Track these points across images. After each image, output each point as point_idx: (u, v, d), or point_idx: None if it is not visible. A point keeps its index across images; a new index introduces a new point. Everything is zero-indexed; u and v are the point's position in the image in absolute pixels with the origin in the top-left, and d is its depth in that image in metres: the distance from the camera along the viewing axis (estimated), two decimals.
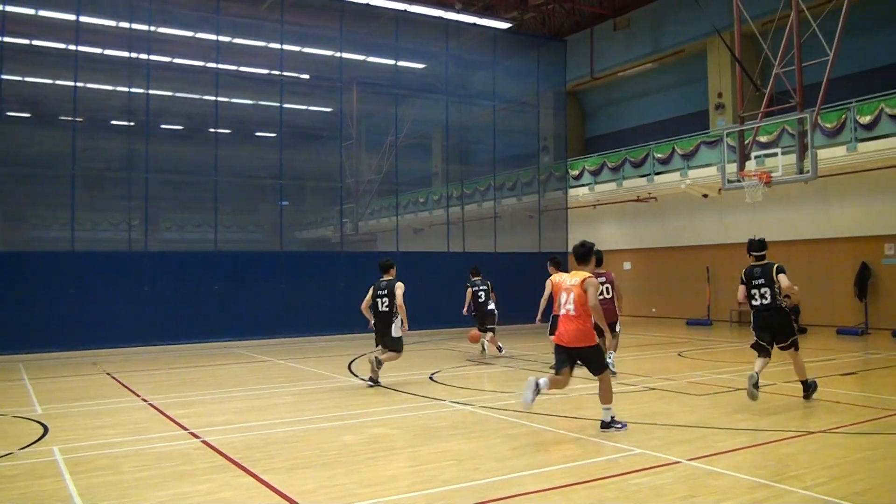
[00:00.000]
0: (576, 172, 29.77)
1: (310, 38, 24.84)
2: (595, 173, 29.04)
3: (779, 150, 18.58)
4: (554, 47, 29.62)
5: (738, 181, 18.71)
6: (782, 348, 10.30)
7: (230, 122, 25.11)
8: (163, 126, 24.43)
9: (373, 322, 12.52)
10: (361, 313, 12.64)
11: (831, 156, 20.52)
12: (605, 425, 8.54)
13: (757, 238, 10.56)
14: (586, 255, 8.86)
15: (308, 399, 11.38)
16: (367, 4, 23.76)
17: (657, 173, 26.57)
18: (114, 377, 14.13)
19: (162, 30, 22.08)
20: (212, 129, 22.07)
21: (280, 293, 21.30)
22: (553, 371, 8.75)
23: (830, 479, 6.49)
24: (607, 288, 13.58)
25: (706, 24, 23.52)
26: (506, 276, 24.77)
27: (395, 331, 12.22)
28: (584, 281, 8.50)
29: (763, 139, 21.31)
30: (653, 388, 11.85)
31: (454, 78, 26.79)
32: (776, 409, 9.89)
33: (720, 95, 27.37)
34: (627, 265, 30.41)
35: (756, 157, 19.59)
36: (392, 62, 25.39)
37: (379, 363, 12.18)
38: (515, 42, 28.97)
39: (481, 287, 16.86)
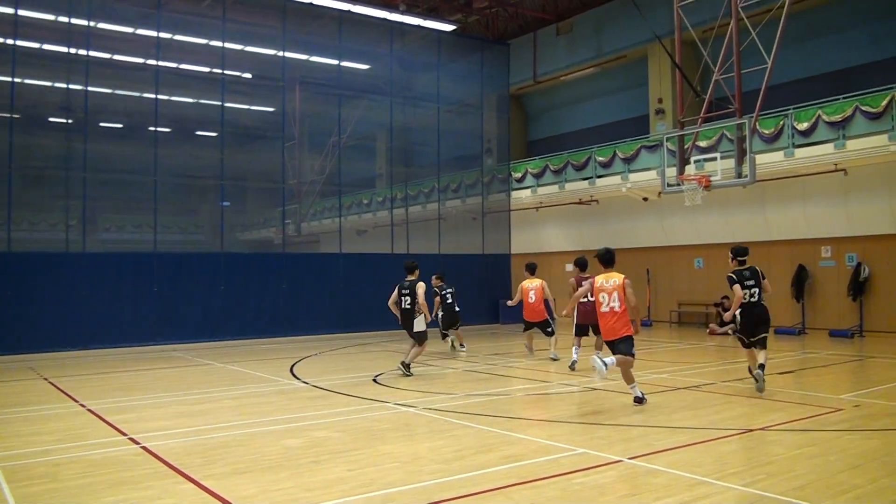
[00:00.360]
0: (519, 175, 29.97)
1: (252, 36, 24.61)
2: (538, 176, 29.27)
3: (718, 155, 18.99)
4: (497, 51, 29.78)
5: (678, 185, 19.04)
6: (761, 341, 11.41)
7: (170, 120, 24.71)
8: (102, 124, 23.93)
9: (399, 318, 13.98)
10: (389, 309, 14.07)
11: (769, 161, 20.99)
12: (638, 400, 10.34)
13: (741, 246, 11.86)
14: (612, 259, 10.89)
15: (249, 403, 11.27)
16: (311, 3, 23.63)
17: (599, 176, 26.88)
18: (51, 382, 13.84)
19: (102, 25, 21.65)
20: (152, 128, 21.72)
21: (221, 295, 21.07)
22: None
23: (769, 475, 6.65)
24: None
25: (647, 30, 23.86)
26: (450, 278, 24.82)
27: (417, 326, 13.59)
28: (624, 281, 10.48)
29: (702, 144, 21.74)
30: (595, 389, 12.00)
31: (398, 79, 26.77)
32: (716, 408, 10.09)
33: (661, 101, 27.78)
34: (569, 267, 30.65)
35: (695, 162, 20.00)
36: (335, 62, 25.26)
37: (407, 367, 13.72)
38: (459, 45, 29.05)
39: (448, 290, 17.57)
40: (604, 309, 10.48)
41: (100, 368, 15.98)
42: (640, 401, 10.28)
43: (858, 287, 20.88)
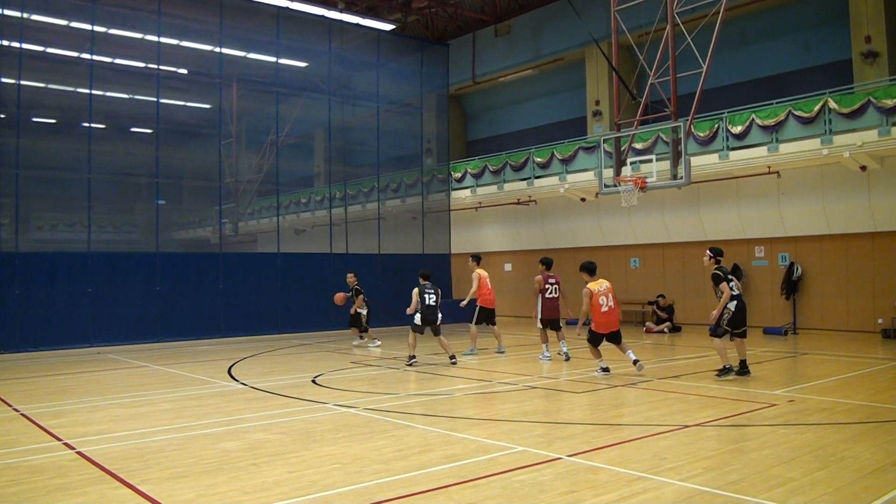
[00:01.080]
0: (458, 175, 30.06)
1: (188, 31, 24.23)
2: (477, 176, 29.39)
3: (653, 157, 19.26)
4: (437, 51, 29.80)
5: (615, 186, 19.27)
6: (745, 331, 12.66)
7: (105, 116, 24.19)
8: (34, 119, 23.34)
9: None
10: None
11: (704, 163, 21.41)
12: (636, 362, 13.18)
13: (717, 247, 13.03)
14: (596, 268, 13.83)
15: (186, 405, 11.10)
16: None
17: (537, 177, 27.10)
18: None
19: (35, 17, 21.11)
20: (85, 124, 21.24)
21: (157, 296, 20.68)
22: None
23: (705, 470, 6.78)
24: (555, 288, 15.89)
25: (585, 33, 24.13)
26: (389, 277, 24.81)
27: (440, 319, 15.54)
28: (611, 286, 13.53)
29: (639, 146, 22.06)
30: (534, 387, 12.08)
31: (337, 78, 26.62)
32: (653, 405, 10.24)
33: (598, 103, 28.10)
34: (508, 266, 30.87)
35: (632, 163, 20.29)
36: (273, 59, 24.99)
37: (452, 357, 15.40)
38: (399, 44, 29.00)
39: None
40: (604, 308, 13.14)
41: (33, 372, 15.55)
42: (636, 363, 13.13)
43: (791, 286, 21.41)
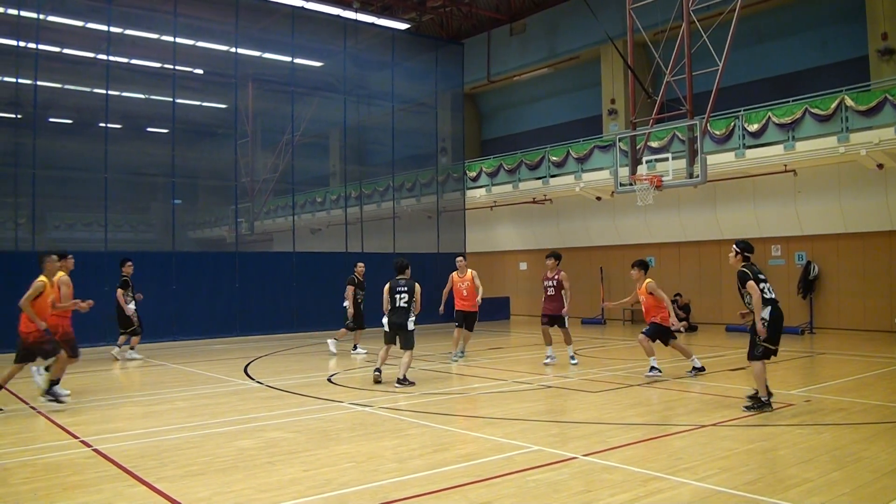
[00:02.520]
0: (473, 174, 30.05)
1: (204, 31, 24.33)
2: (492, 175, 29.37)
3: (669, 156, 19.20)
4: (451, 50, 29.79)
5: (630, 185, 19.22)
6: (774, 352, 9.86)
7: (121, 116, 24.34)
8: (51, 119, 23.50)
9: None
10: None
11: (720, 161, 21.32)
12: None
13: (747, 241, 10.65)
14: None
15: (203, 404, 11.14)
16: None
17: (552, 176, 27.05)
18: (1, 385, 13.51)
19: (52, 18, 21.25)
20: (102, 124, 21.34)
21: (173, 295, 20.74)
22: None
23: (721, 470, 6.75)
24: (550, 286, 14.94)
25: (600, 31, 24.05)
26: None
27: (410, 325, 12.71)
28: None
29: (654, 144, 21.98)
30: (549, 387, 12.07)
31: (352, 77, 26.65)
32: (669, 404, 10.21)
33: (613, 101, 28.03)
34: (523, 265, 30.84)
35: (647, 162, 20.23)
36: (289, 59, 25.06)
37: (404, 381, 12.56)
38: (414, 43, 29.02)
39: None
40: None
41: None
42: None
43: (808, 285, 21.30)
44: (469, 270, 16.21)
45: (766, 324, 9.52)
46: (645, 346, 12.97)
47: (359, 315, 17.18)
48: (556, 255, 15.34)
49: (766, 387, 9.65)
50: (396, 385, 12.18)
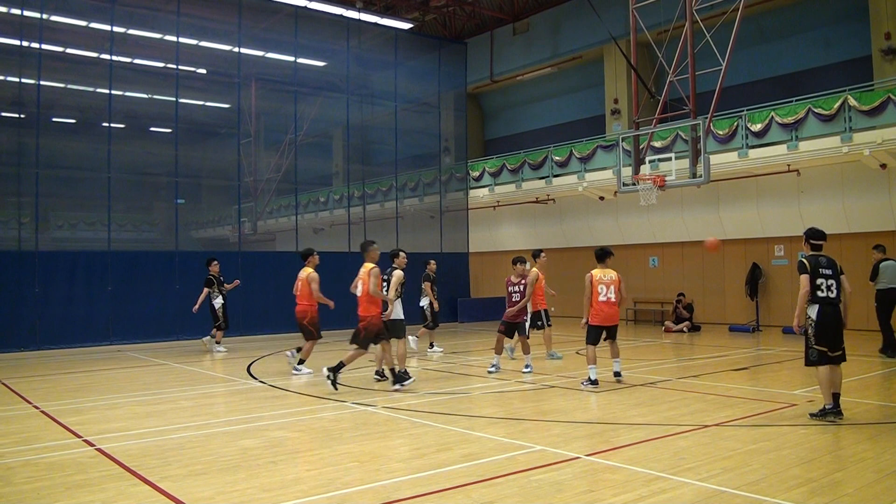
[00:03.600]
0: (476, 174, 30.04)
1: (207, 31, 24.34)
2: (495, 175, 29.36)
3: (672, 155, 19.21)
4: (455, 49, 29.80)
5: (633, 184, 19.20)
6: (843, 354, 9.11)
7: (124, 116, 24.39)
8: (54, 119, 23.53)
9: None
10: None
11: (723, 161, 21.30)
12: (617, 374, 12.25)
13: (819, 230, 9.73)
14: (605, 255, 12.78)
15: (206, 403, 11.17)
16: None
17: (555, 176, 27.04)
18: (4, 383, 13.52)
19: (55, 18, 21.28)
20: (105, 124, 21.38)
21: (176, 294, 20.75)
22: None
23: (724, 470, 6.75)
24: (514, 290, 14.46)
25: (603, 31, 24.03)
26: (408, 276, 24.69)
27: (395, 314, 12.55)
28: (618, 279, 12.57)
29: (657, 144, 21.98)
30: (552, 386, 12.06)
31: (355, 77, 26.67)
32: (672, 405, 10.20)
33: (616, 101, 28.01)
34: (526, 266, 30.79)
35: (650, 162, 20.19)
36: (292, 59, 25.06)
37: (394, 374, 12.29)
38: (417, 43, 29.03)
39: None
40: (601, 298, 12.26)
41: (53, 369, 15.69)
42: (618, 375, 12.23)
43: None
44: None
45: (812, 324, 8.85)
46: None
47: (434, 313, 17.34)
48: (521, 259, 14.97)
49: (832, 393, 8.87)
50: (394, 386, 12.14)
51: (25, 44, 20.27)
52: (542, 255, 16.01)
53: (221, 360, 16.98)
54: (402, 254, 13.22)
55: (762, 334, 20.99)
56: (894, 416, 9.20)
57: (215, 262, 18.48)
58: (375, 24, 26.72)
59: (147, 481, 6.66)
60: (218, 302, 18.37)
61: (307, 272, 14.98)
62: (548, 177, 27.29)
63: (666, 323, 23.07)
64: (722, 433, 8.34)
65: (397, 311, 12.57)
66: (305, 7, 24.18)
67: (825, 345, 8.84)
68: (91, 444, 8.21)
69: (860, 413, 9.42)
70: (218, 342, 18.50)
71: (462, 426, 8.98)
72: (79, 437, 8.64)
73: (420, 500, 6.03)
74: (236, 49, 23.60)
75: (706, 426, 8.72)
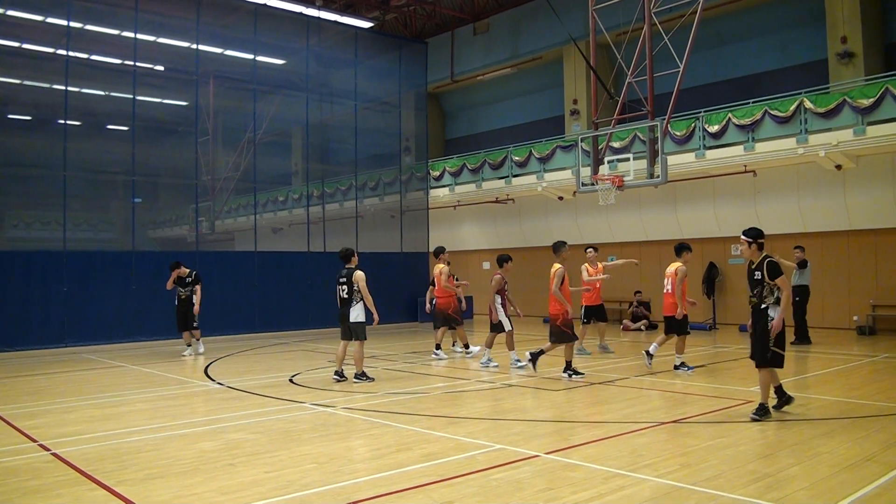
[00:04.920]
0: (437, 173, 30.06)
1: (165, 27, 24.03)
2: (455, 174, 29.41)
3: (631, 156, 19.37)
4: (415, 49, 29.76)
5: (592, 184, 19.34)
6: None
7: (80, 113, 23.97)
8: (9, 115, 23.12)
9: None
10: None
11: (681, 162, 21.55)
12: (677, 367, 13.05)
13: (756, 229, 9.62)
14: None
15: (163, 405, 11.03)
16: None
17: (515, 176, 27.16)
18: None
19: (10, 13, 20.89)
20: (61, 121, 21.02)
21: (133, 295, 20.49)
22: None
23: (682, 466, 6.83)
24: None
25: (563, 32, 24.18)
26: (368, 276, 24.64)
27: (354, 315, 12.53)
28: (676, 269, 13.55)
29: (616, 145, 22.18)
30: (511, 385, 12.11)
31: (315, 75, 26.52)
32: (630, 402, 10.28)
33: (575, 102, 28.18)
34: (486, 265, 30.90)
35: (609, 162, 20.37)
36: (251, 56, 24.82)
37: (362, 375, 12.73)
38: (377, 42, 28.93)
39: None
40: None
41: (7, 372, 15.39)
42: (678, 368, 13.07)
43: None
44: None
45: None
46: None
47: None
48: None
49: (775, 387, 9.18)
50: (354, 381, 12.36)
51: None
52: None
53: (191, 361, 16.78)
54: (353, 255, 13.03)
55: (718, 332, 21.27)
56: (849, 412, 9.35)
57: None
58: (335, 23, 26.58)
59: (104, 486, 6.56)
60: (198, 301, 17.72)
61: (440, 268, 16.69)
62: (507, 177, 27.40)
63: (624, 321, 23.26)
64: (679, 430, 8.42)
65: (359, 314, 12.54)
66: (265, 4, 23.98)
67: (783, 347, 9.03)
68: (47, 449, 8.07)
69: (816, 409, 9.59)
70: (189, 344, 17.77)
71: (422, 426, 8.97)
72: (34, 441, 8.49)
73: (380, 500, 6.01)
74: (195, 46, 23.31)
75: (663, 423, 8.81)
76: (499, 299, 14.47)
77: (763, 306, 8.97)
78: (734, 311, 22.36)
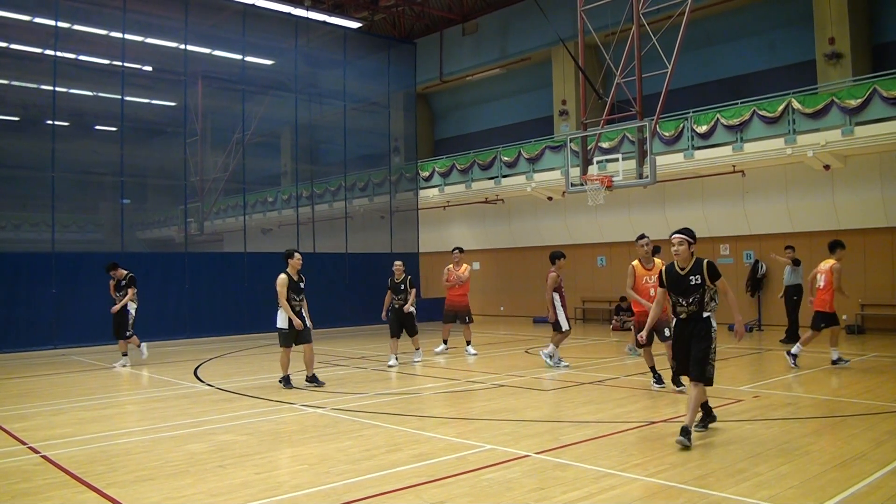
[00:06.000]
0: (426, 174, 30.04)
1: (153, 28, 23.98)
2: (445, 175, 29.39)
3: (620, 156, 19.40)
4: (404, 49, 29.76)
5: (581, 185, 19.37)
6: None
7: (69, 113, 23.92)
8: None
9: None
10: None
11: (669, 162, 21.58)
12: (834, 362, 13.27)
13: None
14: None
15: (152, 407, 10.99)
16: None
17: (504, 176, 27.16)
18: None
19: None
20: (49, 121, 20.94)
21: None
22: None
23: (672, 465, 6.84)
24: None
25: (551, 33, 24.19)
26: (357, 277, 24.72)
27: (279, 321, 12.30)
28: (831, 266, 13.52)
29: (605, 145, 22.19)
30: (502, 385, 12.10)
31: (304, 76, 26.50)
32: (620, 402, 10.30)
33: (564, 102, 28.20)
34: (476, 265, 30.89)
35: (598, 162, 20.41)
36: (239, 57, 24.79)
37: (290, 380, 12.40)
38: (366, 42, 28.93)
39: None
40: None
41: None
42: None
43: (756, 283, 21.65)
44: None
45: (715, 338, 8.12)
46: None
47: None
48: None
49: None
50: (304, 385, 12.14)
51: None
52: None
53: (166, 363, 16.71)
54: (297, 254, 12.81)
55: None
56: (839, 410, 9.39)
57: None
58: (324, 23, 26.56)
59: (93, 488, 6.53)
60: (134, 307, 16.34)
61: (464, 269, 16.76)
62: (497, 177, 27.40)
63: (614, 321, 23.29)
64: (670, 429, 8.42)
65: (282, 320, 12.21)
66: (253, 4, 23.94)
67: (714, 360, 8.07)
68: (36, 451, 8.03)
69: (806, 407, 9.62)
70: (124, 353, 16.35)
71: (412, 426, 8.97)
72: (23, 443, 8.44)
73: (371, 501, 6.01)
74: (183, 46, 23.25)
75: (654, 422, 8.83)
76: (557, 298, 14.14)
77: (705, 314, 8.08)
78: (723, 311, 22.32)
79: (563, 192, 23.42)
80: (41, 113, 21.91)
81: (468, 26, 31.78)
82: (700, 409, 8.23)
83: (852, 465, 6.75)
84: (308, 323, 12.38)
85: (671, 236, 8.36)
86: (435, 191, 29.72)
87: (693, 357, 7.93)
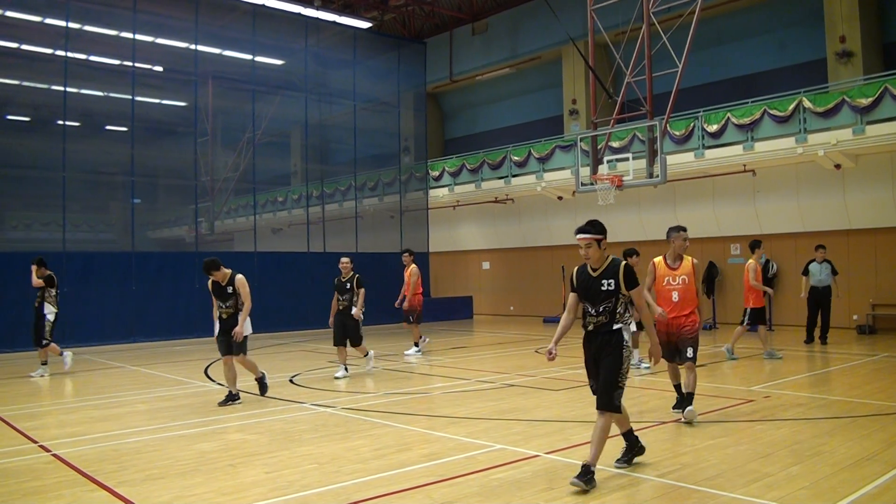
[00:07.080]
0: (436, 173, 30.04)
1: (164, 28, 24.06)
2: (454, 174, 29.38)
3: (630, 156, 19.36)
4: (414, 49, 29.77)
5: (591, 184, 19.33)
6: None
7: (79, 114, 23.99)
8: (8, 117, 23.11)
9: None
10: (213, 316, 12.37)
11: (680, 161, 21.52)
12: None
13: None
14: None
15: (163, 406, 11.01)
16: None
17: (514, 175, 27.13)
18: None
19: (9, 14, 20.91)
20: (60, 122, 21.03)
21: (132, 296, 20.49)
22: None
23: (683, 466, 6.83)
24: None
25: (562, 32, 24.16)
26: (367, 276, 24.63)
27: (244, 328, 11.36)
28: None
29: (615, 144, 22.15)
30: (512, 385, 12.09)
31: (314, 76, 26.52)
32: (630, 402, 10.21)
33: (574, 101, 28.16)
34: (486, 265, 30.90)
35: (608, 162, 20.35)
36: (249, 57, 24.85)
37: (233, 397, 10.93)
38: (376, 42, 28.95)
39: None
40: None
41: (7, 373, 15.39)
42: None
43: (767, 283, 21.53)
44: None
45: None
46: None
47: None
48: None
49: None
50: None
51: None
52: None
53: (177, 363, 16.75)
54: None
55: (719, 331, 21.25)
56: (850, 411, 9.34)
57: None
58: (334, 23, 26.57)
59: (104, 486, 6.56)
60: (52, 311, 15.05)
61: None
62: (507, 177, 27.37)
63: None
64: (680, 429, 8.42)
65: (246, 328, 11.59)
66: (263, 5, 23.98)
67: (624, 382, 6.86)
68: (47, 450, 8.07)
69: (816, 408, 9.58)
70: (45, 362, 14.96)
71: (422, 426, 8.97)
72: (34, 442, 8.48)
73: (381, 500, 6.01)
74: (193, 46, 23.32)
75: (664, 423, 8.81)
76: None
77: (616, 327, 6.71)
78: (734, 310, 22.29)
79: (574, 192, 23.37)
80: (52, 113, 22.00)
81: (478, 26, 31.76)
82: (624, 440, 7.00)
83: (863, 466, 6.71)
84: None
85: (575, 235, 7.03)
86: (445, 190, 29.72)
87: (601, 380, 6.63)
